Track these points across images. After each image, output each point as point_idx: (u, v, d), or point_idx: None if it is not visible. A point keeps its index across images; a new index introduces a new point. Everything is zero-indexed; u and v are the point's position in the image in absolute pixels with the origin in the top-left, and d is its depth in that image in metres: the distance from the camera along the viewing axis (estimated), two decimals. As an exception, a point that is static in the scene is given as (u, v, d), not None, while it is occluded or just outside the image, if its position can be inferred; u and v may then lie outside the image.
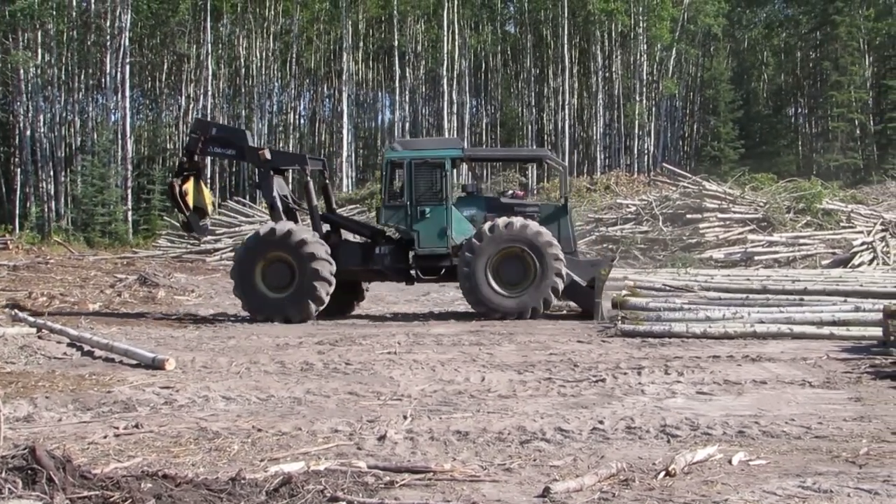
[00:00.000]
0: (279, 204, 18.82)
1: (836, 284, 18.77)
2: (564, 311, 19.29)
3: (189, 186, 19.45)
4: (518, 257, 17.82)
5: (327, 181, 20.72)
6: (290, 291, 17.90)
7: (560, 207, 19.07)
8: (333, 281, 17.94)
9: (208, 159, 20.29)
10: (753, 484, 6.62)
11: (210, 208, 20.35)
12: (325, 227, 19.46)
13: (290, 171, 22.15)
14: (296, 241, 17.86)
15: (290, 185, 20.73)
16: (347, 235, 20.34)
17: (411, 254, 18.75)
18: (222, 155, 20.14)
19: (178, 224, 20.54)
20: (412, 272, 18.96)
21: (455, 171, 19.46)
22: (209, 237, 19.60)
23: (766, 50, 69.52)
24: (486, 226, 17.93)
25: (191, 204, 19.36)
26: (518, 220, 17.91)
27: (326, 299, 17.94)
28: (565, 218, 18.80)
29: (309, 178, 19.45)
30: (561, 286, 17.78)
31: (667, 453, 7.49)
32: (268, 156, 19.03)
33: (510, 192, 22.14)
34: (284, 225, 18.31)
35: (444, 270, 18.80)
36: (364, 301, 20.32)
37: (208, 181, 39.27)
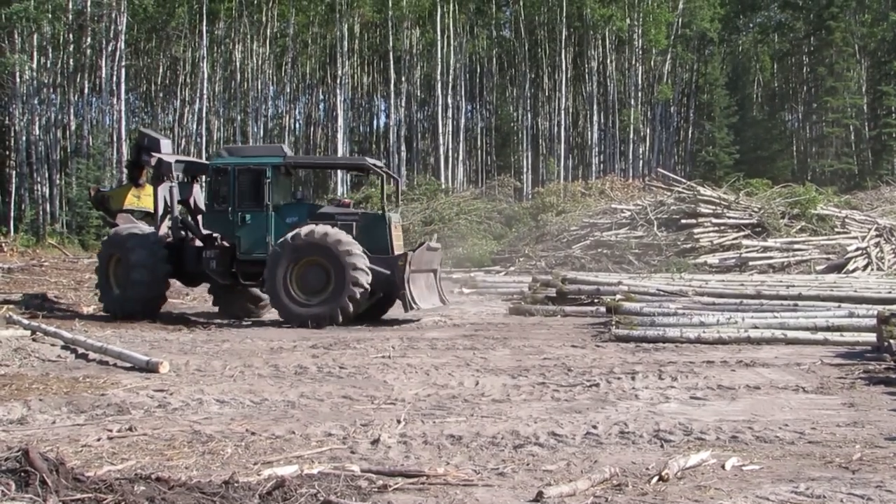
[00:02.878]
0: (160, 208, 19.81)
1: (830, 290, 18.83)
2: (559, 316, 19.31)
3: (113, 192, 21.68)
4: (319, 265, 17.93)
5: None
6: (123, 289, 19.12)
7: (379, 216, 19.05)
8: (156, 280, 18.97)
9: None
10: (746, 489, 6.63)
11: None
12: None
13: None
14: (126, 244, 19.14)
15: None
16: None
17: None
18: (148, 163, 20.50)
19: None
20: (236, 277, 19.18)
21: (282, 178, 19.53)
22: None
23: (763, 54, 69.55)
24: (288, 236, 18.03)
25: (111, 207, 21.08)
26: (319, 229, 17.95)
27: (147, 297, 18.87)
28: (384, 226, 18.73)
29: (173, 183, 19.94)
30: (363, 288, 17.73)
31: (660, 458, 7.50)
32: (152, 163, 19.90)
33: (336, 200, 22.14)
34: (121, 227, 19.89)
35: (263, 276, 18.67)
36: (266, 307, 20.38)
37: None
